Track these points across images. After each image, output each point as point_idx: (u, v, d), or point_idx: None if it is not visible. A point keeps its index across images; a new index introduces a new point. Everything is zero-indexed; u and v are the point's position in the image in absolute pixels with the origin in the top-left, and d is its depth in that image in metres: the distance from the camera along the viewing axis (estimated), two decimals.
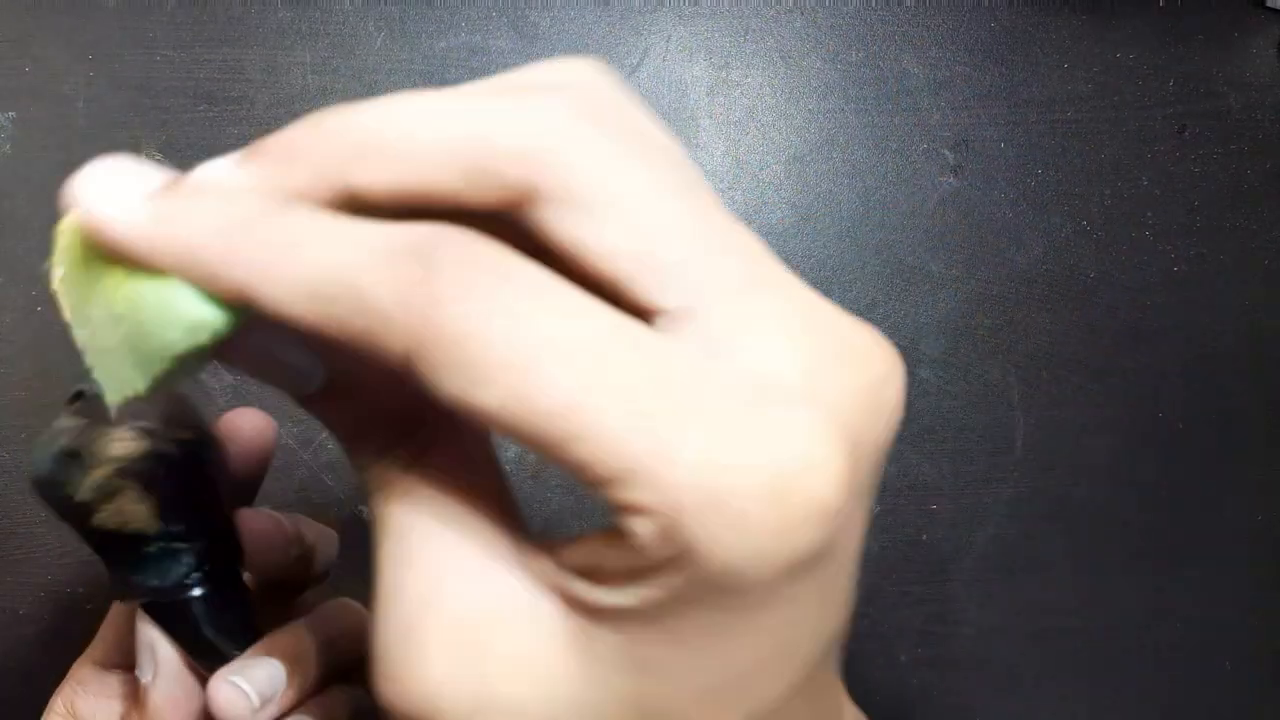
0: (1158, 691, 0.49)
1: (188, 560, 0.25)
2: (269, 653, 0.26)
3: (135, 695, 0.26)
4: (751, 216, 0.49)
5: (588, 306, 0.13)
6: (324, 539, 0.30)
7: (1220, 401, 0.50)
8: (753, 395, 0.12)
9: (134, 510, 0.23)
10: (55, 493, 0.23)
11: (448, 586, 0.14)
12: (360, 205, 0.14)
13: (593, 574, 0.14)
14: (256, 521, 0.27)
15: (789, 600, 0.13)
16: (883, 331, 0.14)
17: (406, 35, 0.49)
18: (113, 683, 0.29)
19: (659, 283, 0.13)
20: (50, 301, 0.16)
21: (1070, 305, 0.50)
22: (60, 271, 0.16)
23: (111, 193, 0.14)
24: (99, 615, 0.30)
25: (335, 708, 0.27)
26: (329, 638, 0.27)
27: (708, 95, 0.50)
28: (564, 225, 0.13)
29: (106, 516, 0.23)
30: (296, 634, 0.27)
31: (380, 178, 0.14)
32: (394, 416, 0.16)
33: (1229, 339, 0.50)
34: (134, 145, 0.47)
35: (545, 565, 0.14)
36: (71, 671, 0.29)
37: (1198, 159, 0.51)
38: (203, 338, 0.15)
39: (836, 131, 0.50)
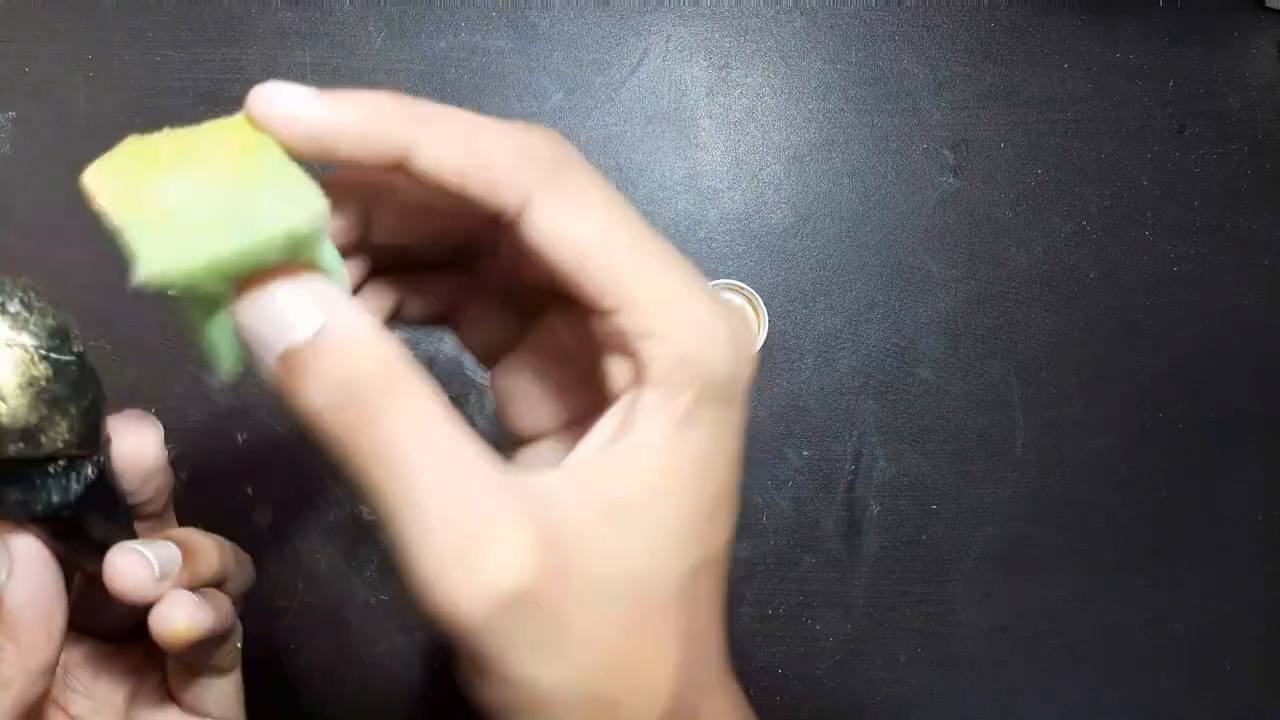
0: (1157, 691, 0.49)
1: (86, 473, 0.22)
2: (165, 539, 0.25)
3: None
4: (751, 216, 0.49)
5: (450, 435, 0.18)
6: (240, 565, 0.29)
7: (1220, 401, 0.50)
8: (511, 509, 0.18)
9: (59, 427, 0.21)
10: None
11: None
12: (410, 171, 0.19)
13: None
14: (128, 428, 0.25)
15: (512, 645, 0.18)
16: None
17: (406, 35, 0.49)
18: None
19: (602, 281, 0.19)
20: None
21: (1070, 305, 0.50)
22: (126, 150, 0.18)
23: (289, 96, 0.19)
24: None
25: (221, 603, 0.26)
26: (206, 547, 0.27)
27: (707, 95, 0.50)
28: (547, 217, 0.19)
29: (40, 439, 0.20)
30: (186, 531, 0.27)
31: (436, 153, 0.19)
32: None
33: (1229, 339, 0.50)
34: None
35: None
36: None
37: (1198, 159, 0.51)
38: (317, 223, 0.17)
39: (836, 131, 0.50)
